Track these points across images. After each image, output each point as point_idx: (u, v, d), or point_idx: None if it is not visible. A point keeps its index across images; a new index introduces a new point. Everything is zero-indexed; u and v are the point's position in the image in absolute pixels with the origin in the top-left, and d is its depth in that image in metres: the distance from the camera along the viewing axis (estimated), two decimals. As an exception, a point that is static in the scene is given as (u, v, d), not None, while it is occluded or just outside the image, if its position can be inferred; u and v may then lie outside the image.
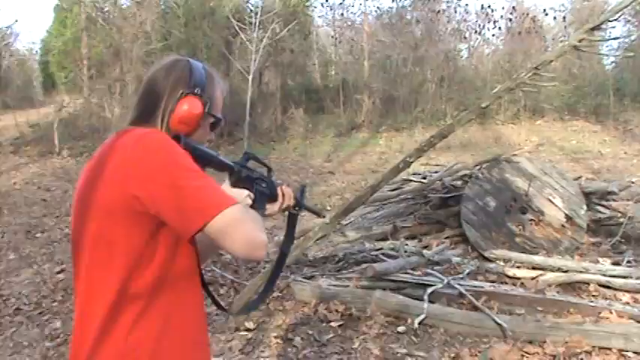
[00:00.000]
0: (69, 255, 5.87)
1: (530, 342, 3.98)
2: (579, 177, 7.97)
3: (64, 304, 5.45)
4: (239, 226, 1.40)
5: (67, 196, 11.14)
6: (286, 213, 1.92)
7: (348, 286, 5.07)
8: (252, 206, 1.66)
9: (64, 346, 4.53)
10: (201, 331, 1.64)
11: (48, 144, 16.43)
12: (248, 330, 4.51)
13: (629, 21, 19.33)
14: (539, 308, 4.59)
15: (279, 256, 1.96)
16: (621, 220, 6.37)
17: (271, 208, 1.81)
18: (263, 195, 1.76)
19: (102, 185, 1.46)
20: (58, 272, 6.40)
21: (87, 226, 1.49)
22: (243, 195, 1.67)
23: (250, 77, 16.69)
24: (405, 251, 5.58)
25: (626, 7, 4.40)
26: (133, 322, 1.45)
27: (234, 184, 1.72)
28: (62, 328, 4.88)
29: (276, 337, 4.35)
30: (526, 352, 3.85)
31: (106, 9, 20.49)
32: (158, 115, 1.58)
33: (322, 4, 22.92)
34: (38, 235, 8.41)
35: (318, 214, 2.25)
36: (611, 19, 4.41)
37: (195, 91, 1.60)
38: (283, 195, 1.83)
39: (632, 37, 19.46)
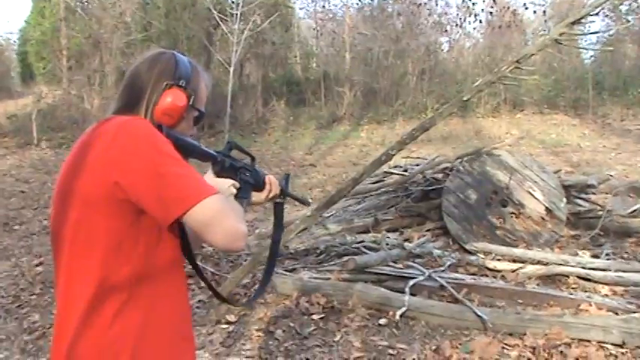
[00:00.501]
0: (48, 247, 5.83)
1: (511, 334, 4.00)
2: (559, 170, 8.04)
3: (42, 297, 5.40)
4: (219, 216, 1.39)
5: (45, 188, 11.03)
6: (270, 203, 1.93)
7: (329, 278, 5.07)
8: (236, 196, 1.67)
9: (42, 340, 4.48)
10: (185, 323, 1.62)
11: (26, 135, 16.27)
12: (229, 323, 4.50)
13: (607, 15, 19.48)
14: (520, 301, 4.62)
15: (271, 246, 1.98)
16: (600, 213, 6.42)
17: (258, 196, 1.84)
18: (247, 184, 1.77)
19: (83, 174, 1.44)
20: (37, 265, 6.33)
21: (67, 217, 1.47)
22: (228, 184, 1.67)
23: (231, 69, 16.62)
24: (387, 244, 5.59)
25: (606, 1, 4.42)
26: (115, 314, 1.43)
27: (218, 174, 1.72)
28: (41, 321, 4.83)
29: (257, 330, 4.34)
30: (506, 344, 3.88)
31: (85, -1, 20.31)
32: (142, 106, 1.57)
33: (303, -4, 22.92)
34: (16, 227, 8.32)
35: (304, 202, 2.27)
36: (591, 13, 4.44)
37: (180, 83, 1.59)
38: (270, 184, 1.85)
39: (611, 32, 19.62)
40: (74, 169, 1.48)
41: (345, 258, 5.28)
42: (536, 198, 6.12)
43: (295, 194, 2.09)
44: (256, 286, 5.17)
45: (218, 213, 1.39)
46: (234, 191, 1.68)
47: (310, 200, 9.21)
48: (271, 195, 1.87)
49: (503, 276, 5.19)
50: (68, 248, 1.47)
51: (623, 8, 19.37)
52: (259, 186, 1.83)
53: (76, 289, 1.44)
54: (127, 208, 1.41)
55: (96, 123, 1.54)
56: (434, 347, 3.95)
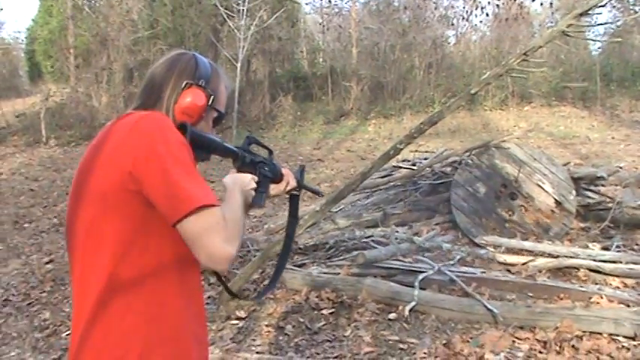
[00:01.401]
0: (58, 245, 5.84)
1: (522, 327, 3.99)
2: (568, 162, 8.01)
3: (53, 295, 5.42)
4: (210, 233, 1.38)
5: (54, 186, 11.08)
6: (283, 195, 1.97)
7: (338, 273, 5.07)
8: (256, 189, 1.71)
9: (53, 337, 4.51)
10: (197, 320, 1.62)
11: (35, 134, 16.34)
12: (239, 319, 4.50)
13: (614, 7, 19.37)
14: (530, 294, 4.60)
15: (285, 238, 2.02)
16: (610, 205, 6.39)
17: (277, 188, 1.87)
18: (266, 178, 1.81)
19: (98, 167, 1.45)
20: (47, 262, 6.36)
21: (81, 211, 1.48)
22: (248, 179, 1.69)
23: (238, 65, 16.62)
24: (396, 238, 5.59)
25: (614, -8, 4.40)
26: (126, 309, 1.44)
27: (239, 169, 1.75)
28: (51, 318, 4.85)
29: (267, 326, 4.35)
30: (517, 338, 3.87)
31: (92, -3, 20.37)
32: (161, 105, 1.59)
33: (309, -9, 22.95)
34: (26, 225, 8.36)
35: (318, 193, 2.32)
36: (599, 4, 4.41)
37: (200, 83, 1.61)
38: (287, 176, 1.90)
39: (619, 23, 19.50)
40: (90, 164, 1.50)
41: (355, 253, 5.29)
42: (545, 190, 6.10)
43: (310, 186, 2.13)
44: (266, 281, 5.18)
45: (210, 229, 1.38)
46: (255, 185, 1.71)
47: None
48: (289, 187, 1.90)
49: (511, 269, 5.17)
50: (82, 243, 1.48)
51: (631, -1, 19.27)
52: (277, 179, 1.87)
53: (89, 284, 1.45)
54: (140, 201, 1.41)
55: (115, 119, 1.56)
56: (444, 341, 3.94)
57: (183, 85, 1.59)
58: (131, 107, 1.62)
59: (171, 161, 1.39)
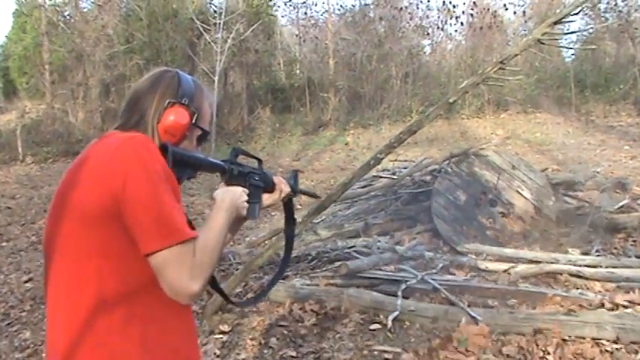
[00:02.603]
0: (36, 263, 5.76)
1: (505, 334, 4.00)
2: (545, 168, 8.09)
3: (33, 314, 5.35)
4: (176, 269, 1.38)
5: (32, 204, 10.94)
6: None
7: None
8: (248, 201, 1.69)
9: (34, 357, 4.44)
10: (187, 338, 1.59)
11: (11, 151, 16.17)
12: (223, 333, 4.47)
13: (586, 14, 19.63)
14: (513, 300, 4.63)
15: (286, 243, 2.01)
16: (588, 209, 6.46)
17: (271, 198, 1.86)
18: (257, 188, 1.79)
19: (79, 187, 1.43)
20: (26, 281, 6.28)
21: (60, 230, 1.45)
22: (239, 192, 1.66)
23: (216, 78, 16.58)
24: (378, 248, 5.59)
25: (586, 0, 4.46)
26: (109, 330, 1.41)
27: (227, 183, 1.72)
28: (32, 338, 4.79)
29: (252, 339, 4.32)
30: (501, 344, 3.88)
31: (67, 12, 20.24)
32: (145, 124, 1.56)
33: (285, 3, 23.04)
34: (4, 244, 8.24)
35: (314, 196, 2.33)
36: (572, 12, 4.46)
37: (183, 101, 1.59)
38: (280, 184, 1.88)
39: (590, 30, 19.77)
40: (71, 183, 1.47)
41: (337, 263, 5.28)
42: (524, 197, 6.15)
43: (305, 189, 2.12)
44: (250, 294, 5.15)
45: (176, 265, 1.38)
46: (246, 198, 1.69)
47: (299, 207, 9.20)
48: (283, 195, 1.89)
49: (495, 276, 5.19)
50: (59, 263, 1.45)
51: (602, 6, 19.54)
52: (269, 187, 1.85)
53: (68, 304, 1.42)
54: (120, 225, 1.39)
55: (96, 139, 1.54)
56: (428, 350, 3.94)
57: (166, 103, 1.56)
58: (113, 127, 1.60)
59: (149, 192, 1.37)
